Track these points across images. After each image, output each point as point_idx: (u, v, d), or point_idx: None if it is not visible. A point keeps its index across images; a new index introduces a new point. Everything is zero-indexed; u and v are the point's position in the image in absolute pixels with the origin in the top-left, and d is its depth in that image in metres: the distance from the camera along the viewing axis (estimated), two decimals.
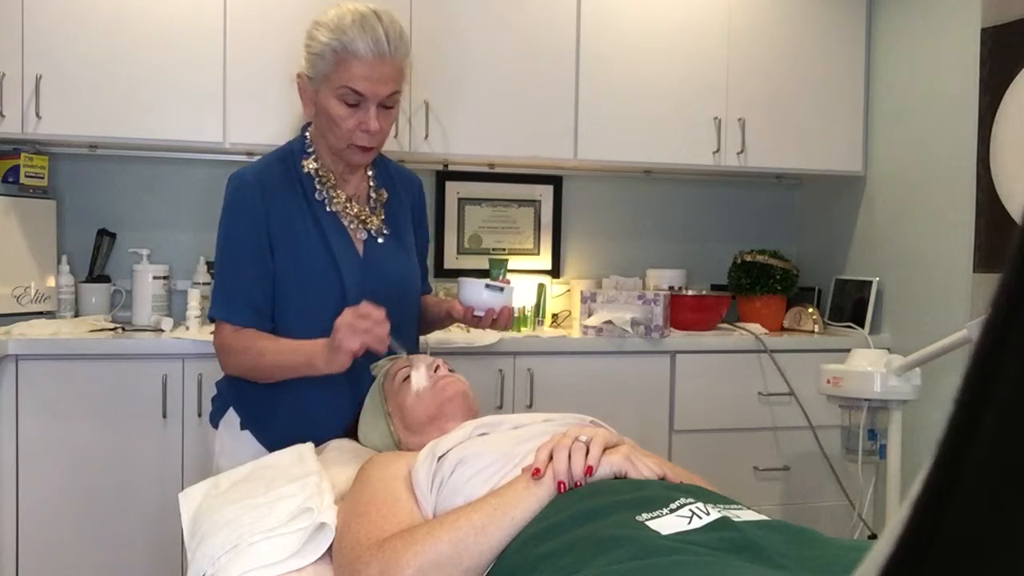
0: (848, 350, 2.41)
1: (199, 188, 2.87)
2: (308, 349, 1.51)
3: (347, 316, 1.44)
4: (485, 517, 1.07)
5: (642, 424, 2.64)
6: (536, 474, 1.11)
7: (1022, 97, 2.43)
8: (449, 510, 1.12)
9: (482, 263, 3.02)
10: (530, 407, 2.55)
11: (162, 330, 2.49)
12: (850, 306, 3.01)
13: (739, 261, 3.07)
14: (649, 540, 0.92)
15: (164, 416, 2.35)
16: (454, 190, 3.09)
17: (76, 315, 2.66)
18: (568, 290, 3.13)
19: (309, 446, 1.50)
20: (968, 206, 2.60)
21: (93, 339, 2.34)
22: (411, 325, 1.77)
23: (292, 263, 1.62)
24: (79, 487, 2.31)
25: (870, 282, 2.95)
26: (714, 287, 3.23)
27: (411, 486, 1.21)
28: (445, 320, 1.82)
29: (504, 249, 3.13)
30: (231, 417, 1.72)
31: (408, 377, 1.52)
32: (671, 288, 3.00)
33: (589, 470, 1.12)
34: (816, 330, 2.97)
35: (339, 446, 1.57)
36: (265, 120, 2.55)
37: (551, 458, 1.13)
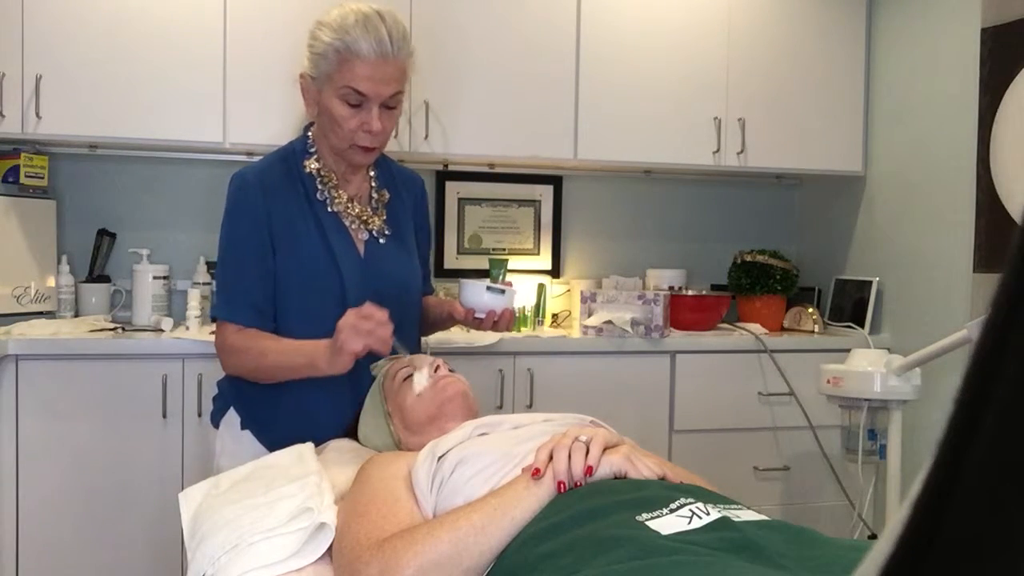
0: (848, 350, 2.41)
1: (199, 188, 2.87)
2: (310, 350, 1.51)
3: (350, 317, 1.44)
4: (485, 517, 1.07)
5: (642, 424, 2.64)
6: (536, 474, 1.11)
7: (1022, 97, 2.43)
8: (449, 510, 1.12)
9: (482, 263, 3.02)
10: (530, 407, 2.55)
11: (162, 330, 2.49)
12: (850, 306, 3.01)
13: (739, 261, 3.07)
14: (649, 540, 0.92)
15: (164, 416, 2.35)
16: (454, 190, 3.09)
17: (76, 315, 2.66)
18: (568, 290, 3.13)
19: (309, 446, 1.50)
20: (968, 206, 2.60)
21: (93, 339, 2.34)
22: (413, 326, 1.77)
23: (293, 263, 1.62)
24: (79, 487, 2.31)
25: (870, 282, 2.95)
26: (714, 287, 3.23)
27: (411, 486, 1.21)
28: (447, 321, 1.83)
29: (504, 249, 3.13)
30: (232, 417, 1.72)
31: (408, 377, 1.52)
32: (671, 288, 3.00)
33: (589, 470, 1.12)
34: (816, 330, 2.97)
35: (339, 446, 1.57)
36: (265, 120, 2.55)
37: (551, 458, 1.13)
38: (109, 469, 2.33)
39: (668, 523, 0.97)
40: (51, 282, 2.62)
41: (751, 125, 2.92)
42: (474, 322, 1.68)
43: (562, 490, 1.09)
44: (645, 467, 1.14)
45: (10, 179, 2.53)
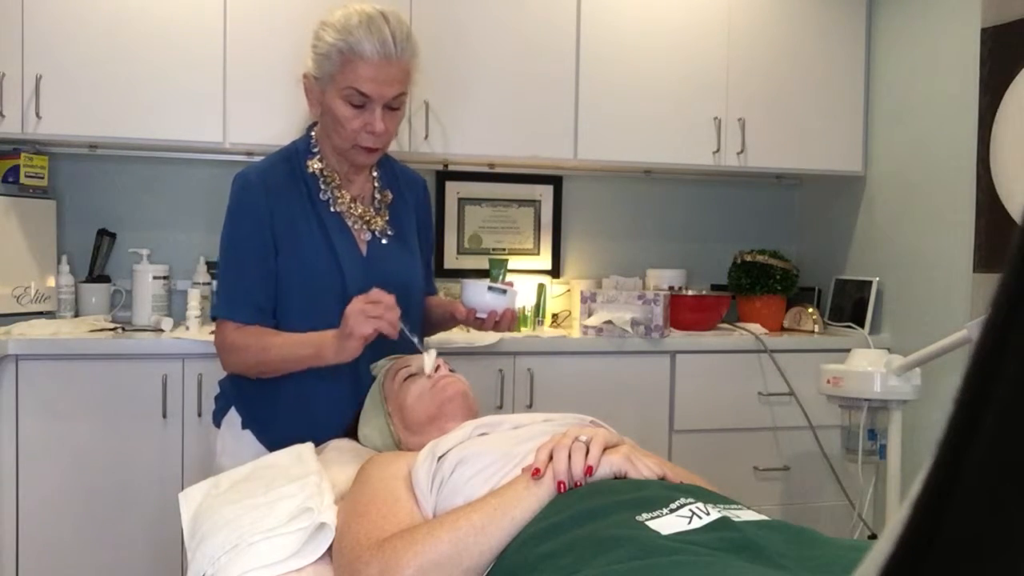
0: (848, 350, 2.41)
1: (199, 188, 2.87)
2: (316, 340, 1.51)
3: (357, 303, 1.45)
4: (485, 517, 1.07)
5: (642, 424, 2.64)
6: (536, 474, 1.11)
7: (1022, 97, 2.43)
8: (449, 510, 1.12)
9: (482, 263, 3.02)
10: (530, 407, 2.55)
11: (162, 330, 2.49)
12: (850, 306, 3.01)
13: (739, 261, 3.07)
14: (649, 540, 0.92)
15: (164, 416, 2.35)
16: (454, 190, 3.09)
17: (76, 315, 2.66)
18: (568, 290, 3.13)
19: (309, 446, 1.50)
20: (968, 206, 2.60)
21: (93, 339, 2.34)
22: (415, 326, 1.77)
23: (295, 263, 1.62)
24: (79, 487, 2.31)
25: (870, 282, 2.95)
26: (714, 287, 3.23)
27: (411, 486, 1.21)
28: (449, 321, 1.83)
29: (504, 249, 3.13)
30: (233, 417, 1.72)
31: (408, 377, 1.52)
32: (671, 288, 3.00)
33: (589, 470, 1.12)
34: (816, 330, 2.97)
35: (339, 446, 1.57)
36: (265, 120, 2.55)
37: (551, 458, 1.13)
38: (109, 469, 2.33)
39: (668, 523, 0.97)
40: (51, 282, 2.62)
41: (751, 125, 2.92)
42: (476, 322, 1.68)
43: (562, 490, 1.09)
44: (645, 467, 1.14)
45: (10, 179, 2.53)
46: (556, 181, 3.18)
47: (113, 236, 2.77)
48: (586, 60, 2.79)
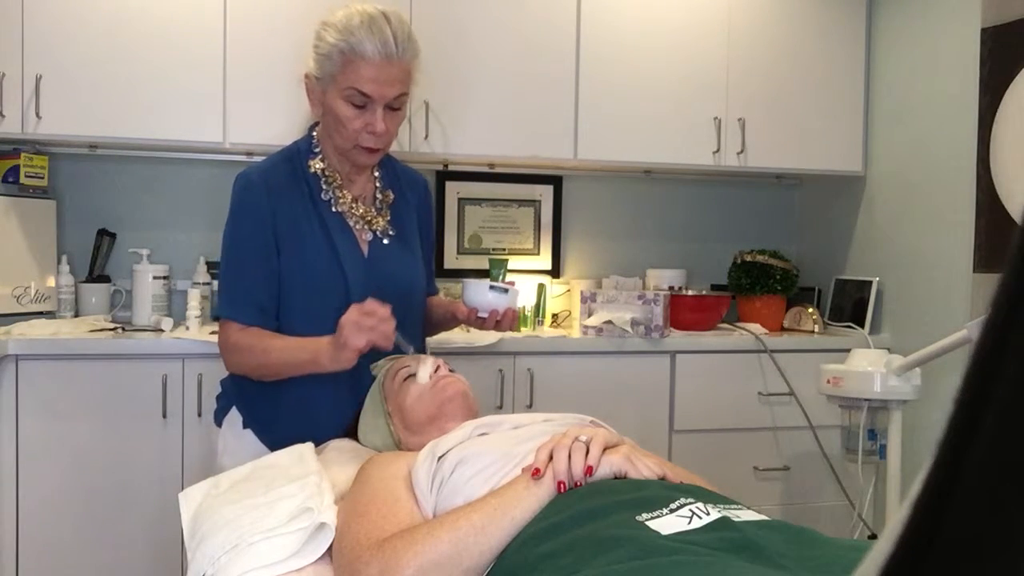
0: (848, 350, 2.41)
1: (199, 188, 2.87)
2: (314, 347, 1.51)
3: (352, 314, 1.44)
4: (485, 517, 1.07)
5: (642, 424, 2.64)
6: (536, 474, 1.11)
7: (1022, 97, 2.43)
8: (449, 510, 1.12)
9: (482, 263, 3.02)
10: (530, 407, 2.55)
11: (162, 330, 2.49)
12: (850, 306, 3.01)
13: (739, 261, 3.07)
14: (649, 540, 0.92)
15: (164, 416, 2.35)
16: (454, 190, 3.09)
17: (76, 315, 2.66)
18: (568, 290, 3.13)
19: (309, 446, 1.50)
20: (968, 206, 2.60)
21: (93, 339, 2.34)
22: (416, 326, 1.77)
23: (297, 263, 1.62)
24: (79, 487, 2.31)
25: (870, 282, 2.95)
26: (714, 287, 3.23)
27: (411, 486, 1.21)
28: (451, 321, 1.83)
29: (504, 249, 3.13)
30: (234, 416, 1.73)
31: (408, 377, 1.52)
32: (671, 288, 3.00)
33: (589, 470, 1.12)
34: (816, 330, 2.97)
35: (339, 446, 1.57)
36: (265, 120, 2.55)
37: (551, 458, 1.13)
38: (109, 469, 2.33)
39: (668, 523, 0.97)
40: (51, 282, 2.62)
41: (751, 125, 2.92)
42: (477, 322, 1.68)
43: (562, 490, 1.09)
44: (645, 467, 1.14)
45: (10, 179, 2.53)
46: (556, 181, 3.18)
47: (113, 236, 2.77)
48: (586, 60, 2.79)
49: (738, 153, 2.92)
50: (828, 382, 2.33)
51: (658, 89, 2.85)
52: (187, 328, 2.51)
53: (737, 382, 2.76)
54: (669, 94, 2.86)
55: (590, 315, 2.71)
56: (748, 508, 1.07)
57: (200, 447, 2.33)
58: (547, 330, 2.88)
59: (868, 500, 2.54)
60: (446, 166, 3.06)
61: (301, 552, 1.19)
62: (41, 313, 2.56)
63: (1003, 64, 2.48)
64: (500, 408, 2.53)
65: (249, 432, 1.70)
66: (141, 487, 2.35)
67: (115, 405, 2.33)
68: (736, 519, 0.98)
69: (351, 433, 1.63)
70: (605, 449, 1.16)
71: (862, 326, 2.90)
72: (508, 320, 1.66)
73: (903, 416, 2.29)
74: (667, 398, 2.71)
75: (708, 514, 0.99)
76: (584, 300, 2.75)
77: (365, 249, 1.68)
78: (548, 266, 3.18)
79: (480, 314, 1.66)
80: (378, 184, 1.75)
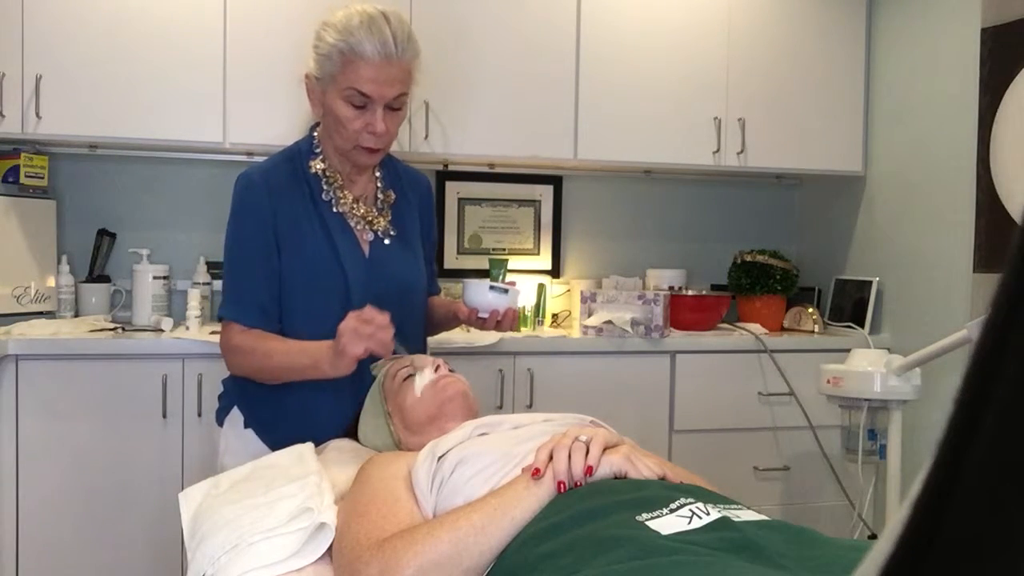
0: (848, 350, 2.41)
1: (199, 188, 2.87)
2: (314, 351, 1.51)
3: (350, 321, 1.44)
4: (485, 517, 1.07)
5: (642, 424, 2.64)
6: (536, 474, 1.11)
7: (1022, 97, 2.43)
8: (449, 510, 1.12)
9: (482, 263, 3.02)
10: (530, 407, 2.55)
11: (162, 330, 2.49)
12: (850, 306, 3.01)
13: (739, 261, 3.07)
14: (649, 540, 0.92)
15: (164, 416, 2.35)
16: (454, 190, 3.09)
17: (76, 315, 2.66)
18: (568, 290, 3.13)
19: (309, 446, 1.50)
20: (968, 206, 2.60)
21: (93, 339, 2.34)
22: (417, 326, 1.77)
23: (298, 263, 1.62)
24: (79, 487, 2.31)
25: (870, 282, 2.95)
26: (714, 287, 3.23)
27: (411, 486, 1.21)
28: (452, 321, 1.83)
29: (504, 249, 3.13)
30: (236, 416, 1.73)
31: (408, 377, 1.52)
32: (671, 288, 3.00)
33: (589, 470, 1.12)
34: (816, 330, 2.97)
35: (339, 446, 1.57)
36: (265, 120, 2.55)
37: (551, 458, 1.13)
38: (109, 469, 2.33)
39: (668, 523, 0.97)
40: (51, 282, 2.62)
41: (751, 125, 2.92)
42: (477, 322, 1.68)
43: (562, 490, 1.09)
44: (645, 467, 1.14)
45: (10, 179, 2.53)
46: (556, 181, 3.18)
47: (113, 236, 2.77)
48: (586, 60, 2.79)
49: (738, 153, 2.92)
50: (828, 382, 2.33)
51: (658, 89, 2.85)
52: (187, 328, 2.51)
53: (737, 382, 2.76)
54: (669, 94, 2.86)
55: (590, 315, 2.71)
56: (748, 508, 1.07)
57: (200, 447, 2.33)
58: (547, 330, 2.88)
59: (868, 500, 2.54)
60: (446, 166, 3.06)
61: (301, 552, 1.19)
62: (41, 313, 2.56)
63: (1003, 64, 2.48)
64: (500, 408, 2.53)
65: (250, 432, 1.70)
66: (141, 487, 2.35)
67: (115, 405, 2.33)
68: (736, 519, 0.98)
69: (351, 433, 1.63)
70: (605, 449, 1.16)
71: (862, 326, 2.90)
72: (508, 320, 1.66)
73: (903, 416, 2.29)
74: (667, 398, 2.71)
75: (708, 514, 0.99)
76: (584, 300, 2.75)
77: (366, 249, 1.68)
78: (548, 266, 3.18)
79: (480, 314, 1.66)
80: (379, 184, 1.75)
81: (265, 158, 1.75)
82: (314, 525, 1.19)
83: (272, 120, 2.54)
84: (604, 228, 3.25)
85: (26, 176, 2.55)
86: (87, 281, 2.71)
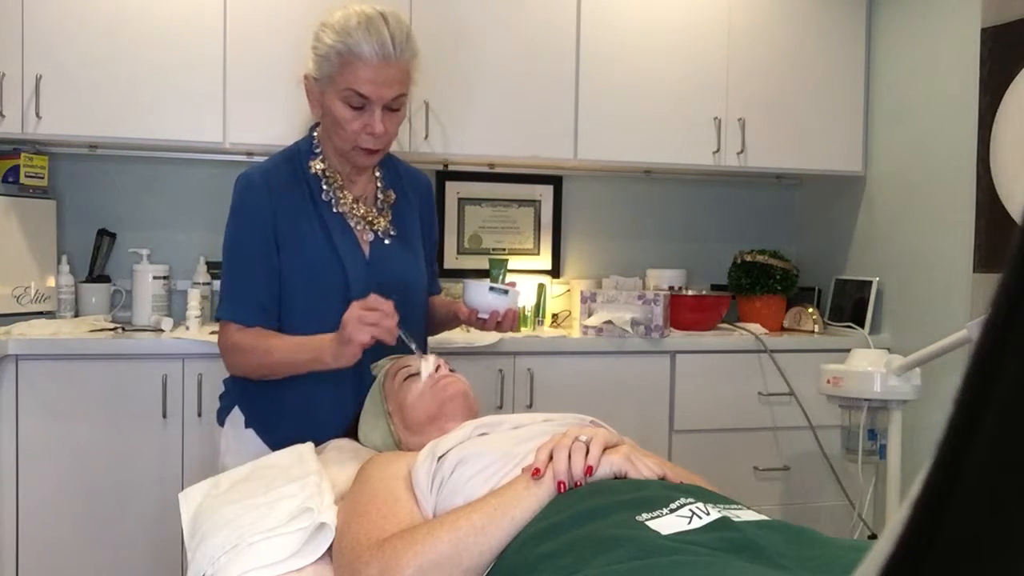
0: (848, 350, 2.41)
1: (199, 188, 2.87)
2: (315, 344, 1.51)
3: (355, 309, 1.44)
4: (485, 517, 1.07)
5: (642, 424, 2.64)
6: (536, 474, 1.11)
7: (1022, 97, 2.43)
8: (449, 510, 1.12)
9: (482, 263, 3.02)
10: (530, 407, 2.55)
11: (162, 330, 2.49)
12: (850, 306, 3.01)
13: (739, 261, 3.07)
14: (649, 540, 0.92)
15: (164, 416, 2.35)
16: (454, 190, 3.09)
17: (76, 315, 2.66)
18: (568, 290, 3.13)
19: (309, 446, 1.50)
20: (968, 206, 2.60)
21: (93, 339, 2.34)
22: (418, 326, 1.77)
23: (297, 263, 1.62)
24: (79, 487, 2.31)
25: (870, 282, 2.95)
26: (714, 287, 3.23)
27: (411, 486, 1.21)
28: (452, 321, 1.84)
29: (504, 249, 3.13)
30: (236, 415, 1.73)
31: (409, 377, 1.52)
32: (671, 288, 3.00)
33: (589, 470, 1.12)
34: (816, 330, 2.97)
35: (339, 446, 1.57)
36: (265, 120, 2.55)
37: (551, 458, 1.13)
38: (109, 469, 2.33)
39: (668, 523, 0.97)
40: (51, 282, 2.62)
41: (751, 125, 2.92)
42: (478, 322, 1.68)
43: (562, 490, 1.09)
44: (645, 467, 1.14)
45: (10, 179, 2.53)
46: (556, 181, 3.18)
47: (113, 236, 2.77)
48: (586, 60, 2.79)
49: (738, 153, 2.92)
50: (828, 382, 2.33)
51: (658, 89, 2.85)
52: (187, 328, 2.51)
53: (737, 382, 2.76)
54: (669, 94, 2.86)
55: (590, 315, 2.71)
56: (748, 508, 1.07)
57: (200, 447, 2.33)
58: (547, 330, 2.88)
59: (868, 500, 2.54)
60: (446, 166, 3.06)
61: (301, 552, 1.19)
62: (41, 313, 2.56)
63: (1003, 64, 2.48)
64: (500, 408, 2.53)
65: (251, 432, 1.70)
66: (141, 487, 2.35)
67: (115, 405, 2.33)
68: (736, 519, 0.98)
69: (351, 433, 1.63)
70: (605, 449, 1.16)
71: (862, 326, 2.90)
72: (508, 321, 1.66)
73: (903, 416, 2.29)
74: (667, 398, 2.71)
75: (708, 514, 0.99)
76: (584, 300, 2.75)
77: (366, 250, 1.68)
78: (548, 266, 3.18)
79: (480, 315, 1.66)
80: (379, 184, 1.75)
81: (265, 158, 1.75)
82: (314, 525, 1.19)
83: (272, 120, 2.54)
84: (604, 228, 3.25)
85: (26, 176, 2.55)
86: (87, 281, 2.71)
